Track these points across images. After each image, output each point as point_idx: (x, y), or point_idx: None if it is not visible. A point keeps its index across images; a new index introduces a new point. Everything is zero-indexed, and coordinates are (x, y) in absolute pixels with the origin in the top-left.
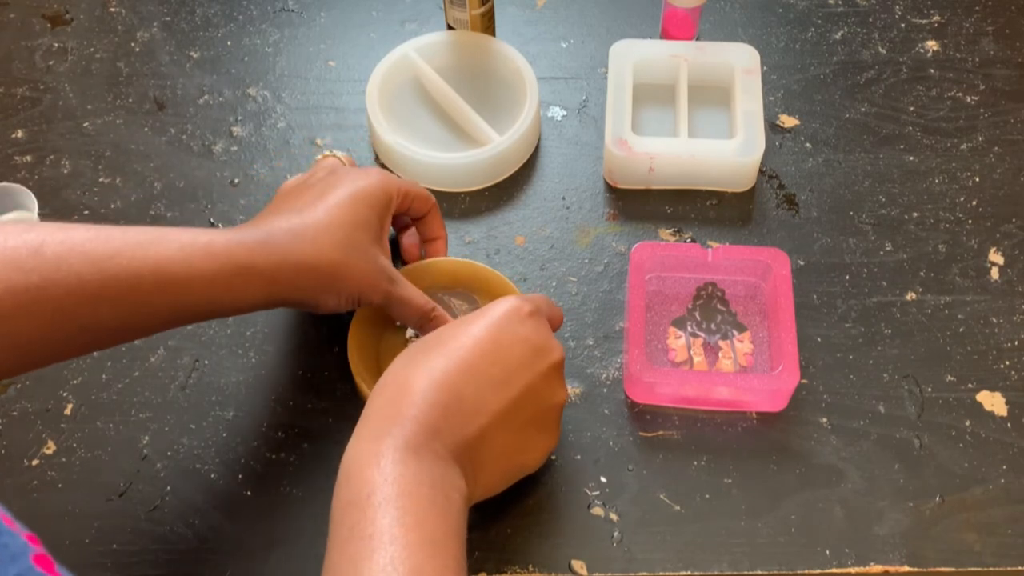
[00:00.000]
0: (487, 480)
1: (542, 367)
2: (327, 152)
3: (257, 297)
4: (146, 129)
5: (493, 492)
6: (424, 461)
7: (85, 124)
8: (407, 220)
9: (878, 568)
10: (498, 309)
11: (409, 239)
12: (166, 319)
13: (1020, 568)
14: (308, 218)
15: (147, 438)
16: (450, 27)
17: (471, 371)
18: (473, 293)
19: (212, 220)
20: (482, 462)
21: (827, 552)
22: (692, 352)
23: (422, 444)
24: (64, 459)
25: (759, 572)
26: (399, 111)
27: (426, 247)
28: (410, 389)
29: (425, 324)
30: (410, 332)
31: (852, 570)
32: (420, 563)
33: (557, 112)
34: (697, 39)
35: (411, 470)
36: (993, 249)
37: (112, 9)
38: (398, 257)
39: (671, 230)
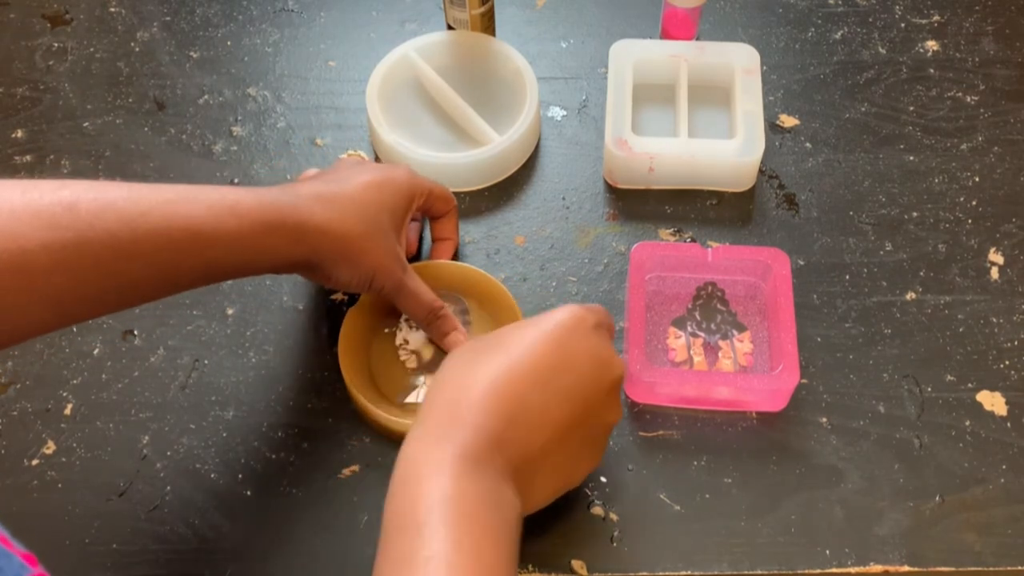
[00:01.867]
0: (536, 497)
1: (605, 383)
2: (351, 152)
3: (281, 256)
4: (146, 129)
5: (536, 509)
6: (486, 478)
7: (85, 124)
8: (416, 215)
9: (878, 568)
10: (562, 316)
11: (409, 233)
12: (196, 276)
13: (1020, 568)
14: (337, 188)
15: (147, 438)
16: (450, 27)
17: (538, 380)
18: (460, 294)
19: None
20: (536, 478)
21: (827, 552)
22: (692, 352)
23: (484, 458)
24: (64, 459)
25: (759, 572)
26: (399, 111)
27: (434, 246)
28: (471, 392)
29: (432, 321)
30: (399, 339)
31: (852, 570)
32: None
33: (557, 112)
34: (697, 39)
35: (472, 487)
36: (993, 249)
37: (112, 9)
38: None
39: (671, 230)
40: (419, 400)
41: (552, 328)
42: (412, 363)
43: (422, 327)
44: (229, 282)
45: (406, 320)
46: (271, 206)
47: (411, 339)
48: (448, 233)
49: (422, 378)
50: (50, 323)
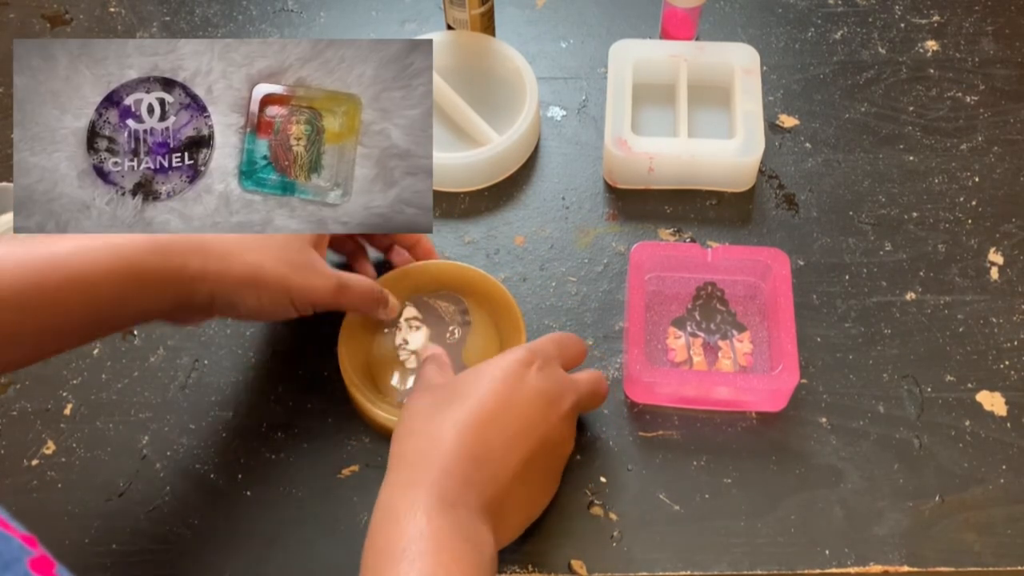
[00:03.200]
0: (508, 529)
1: (554, 418)
2: None
3: (174, 289)
4: None
5: (509, 541)
6: (460, 515)
7: None
8: (387, 242)
9: (878, 568)
10: (507, 365)
11: (399, 257)
12: (81, 320)
13: (1019, 568)
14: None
15: (147, 438)
16: (450, 27)
17: (494, 424)
18: (459, 294)
19: None
20: (505, 514)
21: (827, 552)
22: (692, 352)
23: (457, 498)
24: (64, 459)
25: (759, 572)
26: None
27: (412, 252)
28: (439, 439)
29: (375, 307)
30: (399, 339)
31: (852, 570)
32: None
33: (557, 112)
34: (697, 39)
35: (448, 523)
36: (993, 249)
37: (112, 9)
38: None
39: (671, 230)
40: None
41: (500, 375)
42: (412, 363)
43: (374, 316)
44: None
45: (406, 320)
46: (148, 238)
47: (411, 339)
48: (414, 237)
49: None
50: None
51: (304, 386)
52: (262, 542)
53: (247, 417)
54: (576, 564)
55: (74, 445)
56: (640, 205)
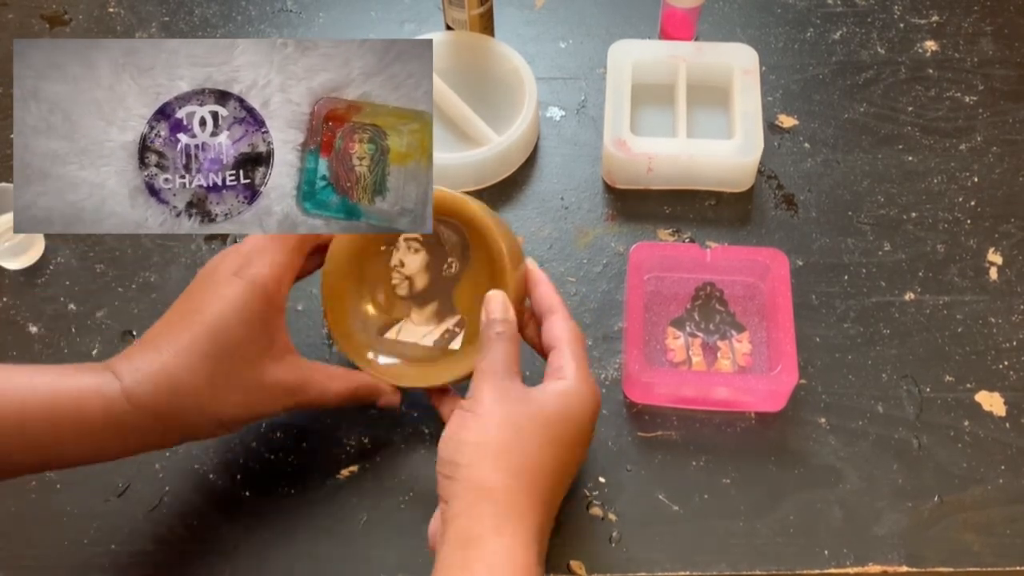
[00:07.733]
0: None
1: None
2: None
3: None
4: None
5: None
6: (540, 550)
7: None
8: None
9: (877, 568)
10: (591, 413)
11: None
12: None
13: (1019, 568)
14: (164, 360)
15: None
16: (449, 27)
17: (572, 466)
18: (462, 225)
19: None
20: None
21: (826, 552)
22: (691, 352)
23: (543, 535)
24: None
25: (758, 572)
26: None
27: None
28: (533, 482)
29: (355, 398)
30: (395, 259)
31: (851, 570)
32: None
33: (556, 112)
34: (696, 39)
35: (510, 555)
36: (992, 249)
37: (111, 9)
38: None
39: (670, 230)
40: (398, 338)
41: (588, 424)
42: (403, 290)
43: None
44: None
45: (405, 240)
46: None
47: (407, 261)
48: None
49: (410, 314)
50: None
51: None
52: (262, 542)
53: None
54: (575, 564)
55: None
56: (639, 205)
